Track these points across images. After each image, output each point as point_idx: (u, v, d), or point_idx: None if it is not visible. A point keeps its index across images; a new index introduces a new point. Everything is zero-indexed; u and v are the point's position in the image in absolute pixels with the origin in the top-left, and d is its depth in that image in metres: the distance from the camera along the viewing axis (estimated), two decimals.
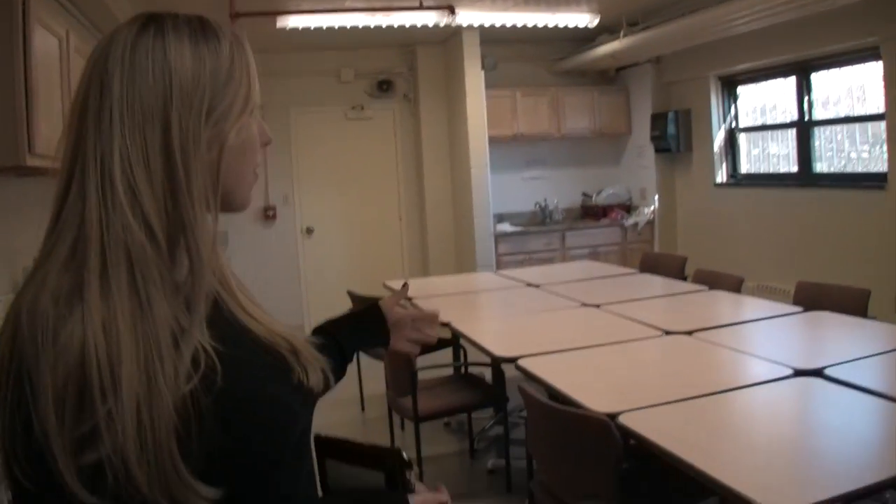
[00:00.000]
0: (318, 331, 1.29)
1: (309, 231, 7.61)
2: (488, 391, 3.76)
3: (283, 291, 7.38)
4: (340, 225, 7.70)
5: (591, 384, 2.65)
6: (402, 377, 3.58)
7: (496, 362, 3.26)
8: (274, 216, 7.48)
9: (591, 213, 7.86)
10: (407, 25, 6.20)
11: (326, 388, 1.00)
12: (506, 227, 7.35)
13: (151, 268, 0.78)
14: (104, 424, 0.71)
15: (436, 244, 7.67)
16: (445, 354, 4.38)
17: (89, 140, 0.80)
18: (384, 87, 7.65)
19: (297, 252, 7.60)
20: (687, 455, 1.91)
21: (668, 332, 3.24)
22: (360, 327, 1.36)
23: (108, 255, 0.76)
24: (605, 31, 6.90)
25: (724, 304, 3.95)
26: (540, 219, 7.74)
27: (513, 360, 2.98)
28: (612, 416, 2.20)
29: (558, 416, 2.34)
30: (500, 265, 6.99)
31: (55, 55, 3.03)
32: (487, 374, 3.89)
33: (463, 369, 4.27)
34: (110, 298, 0.75)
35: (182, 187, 0.81)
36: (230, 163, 0.87)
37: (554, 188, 7.92)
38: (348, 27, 6.07)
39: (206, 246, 0.83)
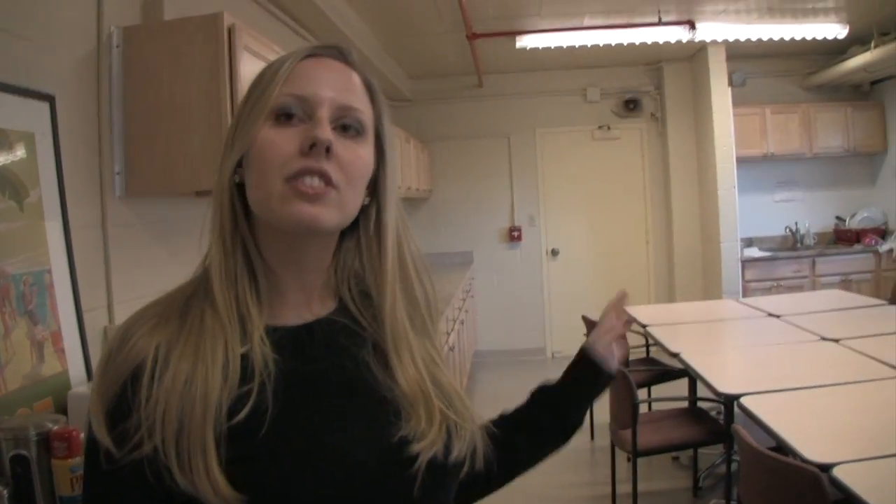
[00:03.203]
0: (535, 395, 1.20)
1: (554, 253, 7.67)
2: (715, 427, 3.56)
3: (526, 313, 7.59)
4: (585, 247, 7.66)
5: (811, 428, 2.44)
6: (624, 409, 3.50)
7: (720, 398, 3.10)
8: (519, 237, 7.63)
9: (843, 237, 7.16)
10: (647, 43, 6.06)
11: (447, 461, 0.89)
12: (754, 251, 6.93)
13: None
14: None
15: (682, 269, 7.37)
16: (680, 386, 4.23)
17: None
18: (631, 106, 7.55)
19: (542, 274, 7.69)
20: None
21: None
22: (575, 384, 1.19)
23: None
24: (857, 42, 6.27)
25: None
26: (790, 244, 7.20)
27: (735, 398, 2.82)
28: (827, 468, 2.01)
29: (766, 462, 2.18)
30: (746, 292, 6.59)
31: None
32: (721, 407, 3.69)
33: (690, 403, 4.08)
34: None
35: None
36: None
37: (806, 211, 7.32)
38: (589, 45, 6.06)
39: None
